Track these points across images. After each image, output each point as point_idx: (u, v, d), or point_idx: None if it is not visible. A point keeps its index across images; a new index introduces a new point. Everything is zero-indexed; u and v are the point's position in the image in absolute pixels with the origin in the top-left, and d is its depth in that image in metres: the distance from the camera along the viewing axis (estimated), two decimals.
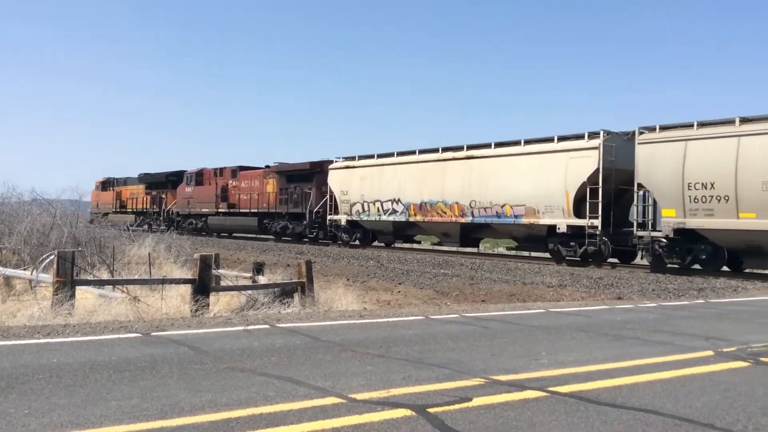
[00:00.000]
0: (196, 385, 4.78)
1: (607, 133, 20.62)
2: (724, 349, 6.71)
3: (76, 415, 3.97)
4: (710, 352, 6.54)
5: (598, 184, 20.22)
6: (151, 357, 5.75)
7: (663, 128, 18.95)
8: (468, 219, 24.54)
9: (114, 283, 11.13)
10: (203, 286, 9.99)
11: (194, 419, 3.90)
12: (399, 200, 27.32)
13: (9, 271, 12.75)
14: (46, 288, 10.33)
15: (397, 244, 29.88)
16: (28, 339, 6.57)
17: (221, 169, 39.69)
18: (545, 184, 21.79)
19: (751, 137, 16.92)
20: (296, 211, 33.40)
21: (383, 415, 4.07)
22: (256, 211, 36.07)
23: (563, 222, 21.29)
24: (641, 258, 20.60)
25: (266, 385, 4.81)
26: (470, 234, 25.70)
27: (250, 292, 11.18)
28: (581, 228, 20.84)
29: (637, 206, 19.84)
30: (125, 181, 49.49)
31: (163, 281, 10.69)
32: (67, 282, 9.26)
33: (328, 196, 31.30)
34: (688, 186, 17.88)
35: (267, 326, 7.75)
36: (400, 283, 15.80)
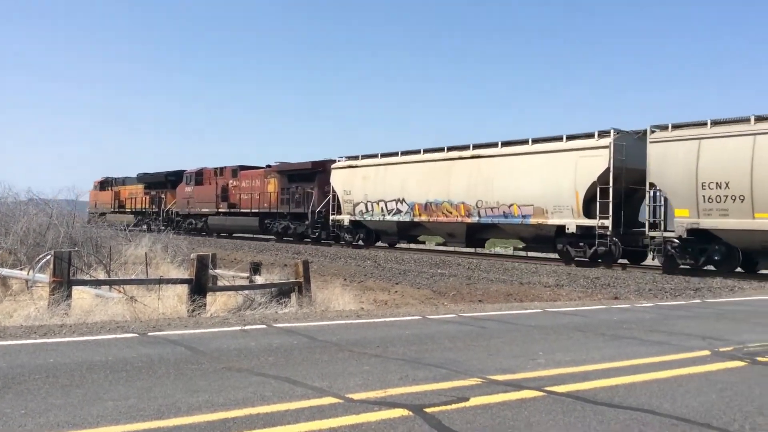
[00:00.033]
0: (192, 385, 4.78)
1: (618, 131, 20.34)
2: (721, 349, 6.72)
3: (73, 415, 3.97)
4: (707, 352, 6.55)
5: (608, 184, 19.94)
6: (147, 357, 5.74)
7: (675, 126, 18.64)
8: (474, 219, 24.31)
9: (111, 283, 11.11)
10: (200, 286, 9.98)
11: (191, 419, 3.90)
12: (403, 200, 27.07)
13: (5, 271, 12.72)
14: (43, 288, 10.30)
15: (396, 245, 29.70)
16: (25, 339, 6.56)
17: (221, 169, 39.44)
18: (554, 183, 21.50)
19: (767, 136, 16.65)
20: (298, 211, 33.18)
21: (380, 415, 4.07)
22: (257, 211, 35.85)
23: (573, 222, 21.01)
24: (652, 259, 20.28)
25: (263, 385, 4.81)
26: (476, 234, 25.50)
27: (247, 292, 11.17)
28: (591, 228, 20.54)
29: (649, 206, 19.53)
30: (124, 181, 49.23)
31: (160, 281, 10.67)
32: (63, 282, 9.24)
33: (330, 195, 31.02)
34: (702, 185, 17.57)
35: (264, 326, 7.74)
36: (397, 283, 15.80)
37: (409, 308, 11.03)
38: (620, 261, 20.86)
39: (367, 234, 29.77)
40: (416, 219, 26.61)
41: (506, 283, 15.82)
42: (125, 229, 20.73)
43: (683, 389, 4.96)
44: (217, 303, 10.82)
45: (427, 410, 4.19)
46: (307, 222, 32.55)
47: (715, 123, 17.84)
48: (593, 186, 20.41)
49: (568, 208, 21.16)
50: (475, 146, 24.85)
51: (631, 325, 8.46)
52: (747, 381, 5.34)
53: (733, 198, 17.06)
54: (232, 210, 37.97)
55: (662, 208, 19.24)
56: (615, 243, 20.22)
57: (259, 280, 12.19)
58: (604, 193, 20.04)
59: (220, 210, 38.61)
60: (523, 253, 25.80)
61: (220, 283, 11.70)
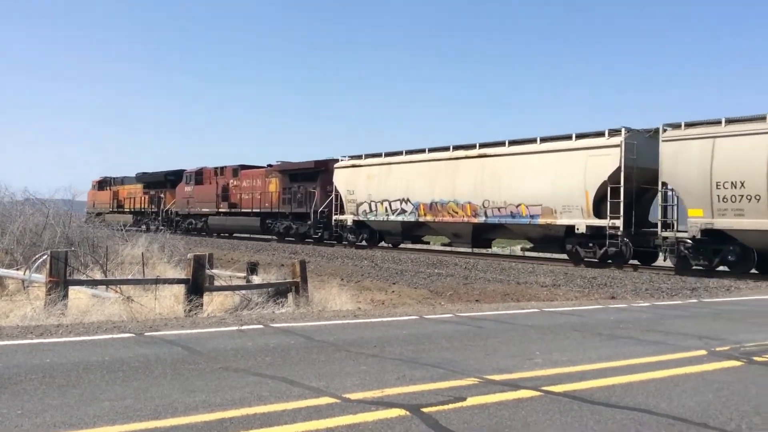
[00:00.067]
0: (189, 385, 4.77)
1: (629, 130, 20.01)
2: (717, 349, 6.73)
3: (69, 415, 3.96)
4: (703, 352, 6.56)
5: (619, 183, 19.68)
6: (144, 357, 5.73)
7: (689, 125, 18.36)
8: (481, 219, 24.02)
9: (107, 283, 11.10)
10: (197, 286, 9.97)
11: (188, 419, 3.90)
12: (408, 200, 26.78)
13: (2, 271, 12.69)
14: (39, 288, 10.28)
15: (400, 245, 29.40)
16: (21, 339, 6.54)
17: (222, 168, 39.08)
18: (563, 183, 21.17)
19: None
20: (300, 211, 32.89)
21: (377, 414, 4.07)
22: (258, 211, 35.51)
23: (582, 222, 20.71)
24: (664, 260, 20.05)
25: (260, 385, 4.81)
26: (482, 235, 25.22)
27: (243, 292, 11.16)
28: (601, 229, 20.24)
29: (662, 206, 19.24)
30: (122, 181, 48.98)
31: (157, 281, 10.66)
32: (60, 282, 9.23)
33: (333, 195, 30.67)
34: (717, 185, 17.28)
35: (261, 326, 7.74)
36: (394, 283, 15.81)
37: (406, 308, 11.03)
38: (631, 262, 20.54)
39: (371, 234, 29.49)
40: (421, 219, 26.32)
41: (503, 283, 15.83)
42: (122, 229, 20.71)
43: (680, 389, 4.97)
44: (213, 303, 10.81)
45: (424, 410, 4.19)
46: (309, 222, 32.25)
47: (729, 121, 17.51)
48: (604, 185, 20.06)
49: (577, 207, 20.83)
50: (482, 145, 24.51)
51: (627, 325, 8.47)
52: (743, 381, 5.35)
53: (749, 198, 16.78)
54: (232, 210, 37.66)
55: (675, 208, 18.99)
56: (626, 243, 19.91)
57: (256, 280, 12.18)
58: (615, 192, 19.71)
59: (220, 210, 38.34)
60: (520, 253, 25.71)
61: (217, 283, 11.69)
